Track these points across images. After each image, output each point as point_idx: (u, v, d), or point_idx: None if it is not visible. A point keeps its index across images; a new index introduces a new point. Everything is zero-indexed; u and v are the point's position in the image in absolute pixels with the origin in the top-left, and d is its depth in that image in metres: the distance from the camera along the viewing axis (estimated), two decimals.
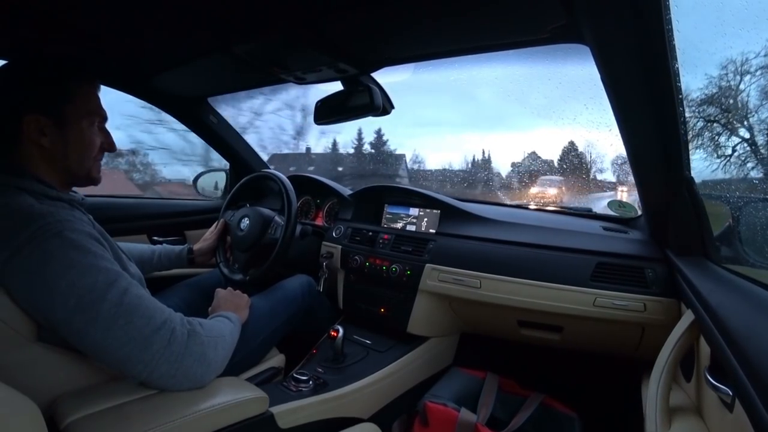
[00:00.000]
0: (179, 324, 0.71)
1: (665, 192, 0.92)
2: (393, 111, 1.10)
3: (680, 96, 0.71)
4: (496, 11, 0.72)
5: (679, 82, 0.69)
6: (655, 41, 0.61)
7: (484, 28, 0.79)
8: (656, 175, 0.91)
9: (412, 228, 1.44)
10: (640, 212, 1.25)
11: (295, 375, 1.03)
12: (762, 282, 0.69)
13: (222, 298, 1.01)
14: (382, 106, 1.05)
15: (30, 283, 0.63)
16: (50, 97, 0.75)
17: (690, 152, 0.84)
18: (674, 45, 0.64)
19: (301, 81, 1.10)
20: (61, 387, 0.69)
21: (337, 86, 1.10)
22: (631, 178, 0.97)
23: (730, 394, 0.56)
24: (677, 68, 0.67)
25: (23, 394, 0.52)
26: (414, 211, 1.47)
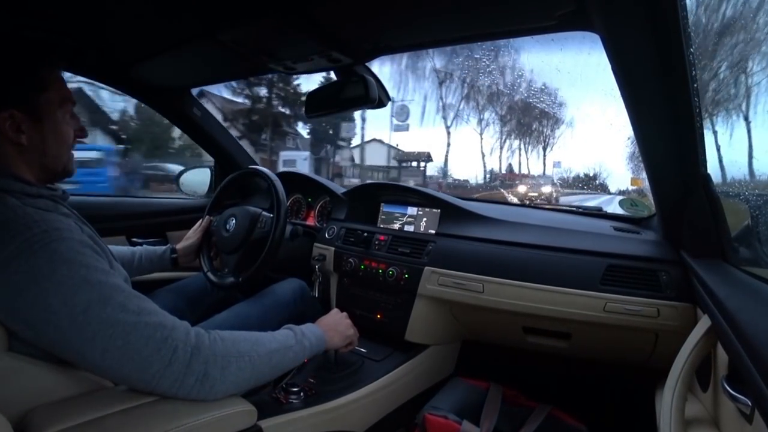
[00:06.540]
0: (182, 340, 0.70)
1: (680, 190, 0.93)
2: None
3: (695, 86, 0.71)
4: None
5: (695, 71, 0.70)
6: (669, 28, 0.61)
7: (488, 13, 0.79)
8: (670, 172, 0.91)
9: (410, 228, 1.44)
10: (653, 211, 1.26)
11: (285, 385, 1.03)
12: None
13: (331, 316, 1.04)
14: (377, 98, 1.04)
15: (19, 300, 0.62)
16: (24, 88, 0.72)
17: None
18: (689, 32, 0.64)
19: (291, 71, 1.09)
20: (34, 399, 0.67)
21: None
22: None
23: (749, 404, 0.56)
24: (692, 56, 0.67)
25: None
26: (412, 210, 1.46)
